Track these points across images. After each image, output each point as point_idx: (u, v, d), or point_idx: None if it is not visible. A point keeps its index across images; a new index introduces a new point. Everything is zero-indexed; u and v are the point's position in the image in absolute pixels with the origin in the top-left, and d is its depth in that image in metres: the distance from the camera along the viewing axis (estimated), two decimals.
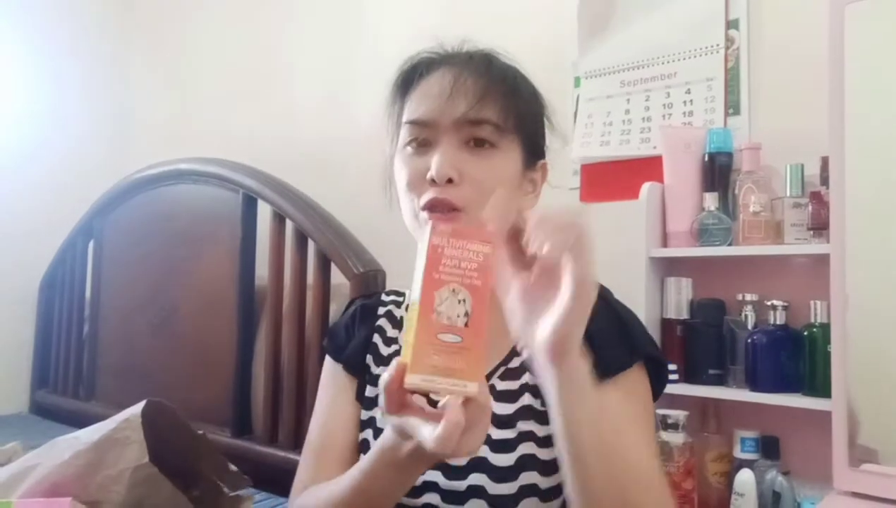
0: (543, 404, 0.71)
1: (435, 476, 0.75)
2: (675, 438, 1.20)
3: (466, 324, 0.53)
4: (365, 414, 0.83)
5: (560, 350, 0.56)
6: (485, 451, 0.73)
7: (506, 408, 0.76)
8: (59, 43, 2.47)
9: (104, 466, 0.89)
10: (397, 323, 0.86)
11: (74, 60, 2.50)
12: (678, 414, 1.21)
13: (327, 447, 0.83)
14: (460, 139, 0.74)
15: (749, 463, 1.18)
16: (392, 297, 0.90)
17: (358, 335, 0.87)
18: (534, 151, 0.81)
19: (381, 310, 0.88)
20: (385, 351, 0.85)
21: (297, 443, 1.44)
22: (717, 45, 1.36)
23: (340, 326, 0.90)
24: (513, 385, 0.77)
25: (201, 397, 1.69)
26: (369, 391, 0.83)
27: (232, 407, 1.62)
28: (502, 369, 0.78)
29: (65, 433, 0.97)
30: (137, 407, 0.91)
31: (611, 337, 0.73)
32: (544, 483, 0.73)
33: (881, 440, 1.00)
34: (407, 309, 0.84)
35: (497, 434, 0.74)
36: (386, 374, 0.54)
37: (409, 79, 0.82)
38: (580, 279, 0.54)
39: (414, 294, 0.55)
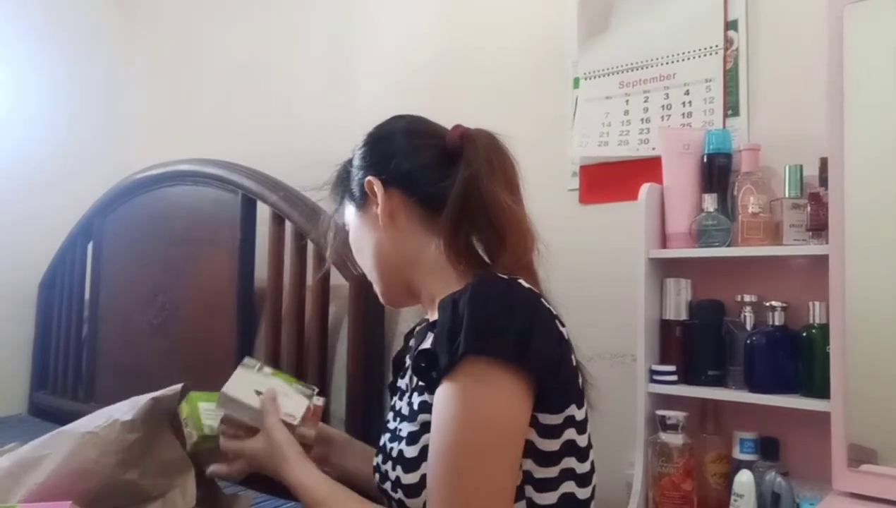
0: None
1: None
2: (675, 439, 1.21)
3: None
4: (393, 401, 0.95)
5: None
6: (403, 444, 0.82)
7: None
8: (59, 43, 2.47)
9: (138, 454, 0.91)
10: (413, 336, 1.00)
11: (74, 60, 2.51)
12: (677, 415, 1.21)
13: None
14: None
15: (748, 464, 1.18)
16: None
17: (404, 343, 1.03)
18: (355, 195, 0.94)
19: (418, 328, 1.00)
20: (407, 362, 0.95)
21: None
22: (716, 46, 1.36)
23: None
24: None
25: None
26: (400, 382, 0.95)
27: None
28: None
29: None
30: (146, 404, 0.92)
31: (441, 339, 0.74)
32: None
33: (880, 440, 1.00)
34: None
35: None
36: None
37: None
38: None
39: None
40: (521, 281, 0.78)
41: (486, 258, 0.86)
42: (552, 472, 0.76)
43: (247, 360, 1.03)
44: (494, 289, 0.75)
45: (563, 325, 0.80)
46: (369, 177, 0.89)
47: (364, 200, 0.91)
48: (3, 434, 1.77)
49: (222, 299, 1.69)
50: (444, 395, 0.72)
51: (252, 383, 0.98)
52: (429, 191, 0.87)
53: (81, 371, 2.16)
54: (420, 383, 0.82)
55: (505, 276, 0.78)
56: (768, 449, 1.18)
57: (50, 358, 2.30)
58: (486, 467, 0.70)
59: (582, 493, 0.79)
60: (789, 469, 1.18)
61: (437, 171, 0.87)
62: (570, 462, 0.77)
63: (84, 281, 2.21)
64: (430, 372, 0.76)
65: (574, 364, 0.80)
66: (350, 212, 0.96)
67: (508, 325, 0.72)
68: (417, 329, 0.99)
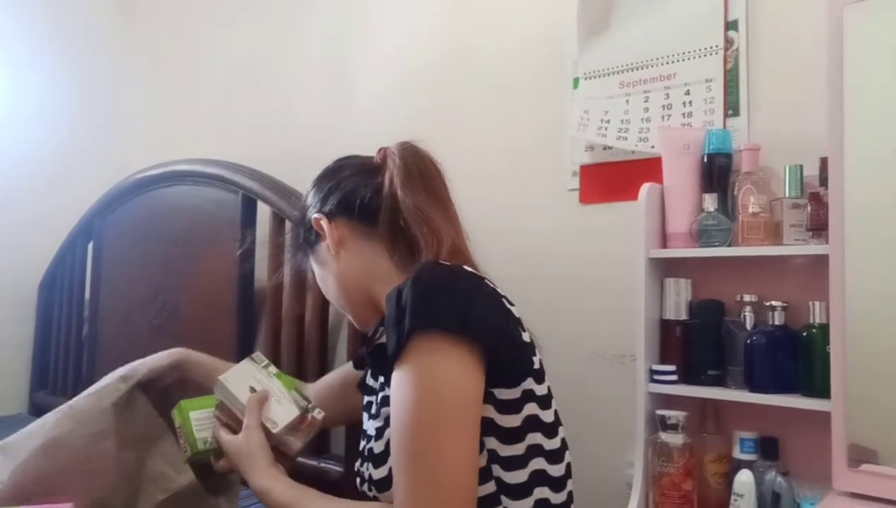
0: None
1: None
2: (675, 439, 1.21)
3: None
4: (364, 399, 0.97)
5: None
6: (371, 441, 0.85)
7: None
8: (59, 43, 2.47)
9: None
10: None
11: (74, 60, 2.51)
12: (677, 415, 1.21)
13: None
14: None
15: (748, 464, 1.18)
16: None
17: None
18: (311, 240, 1.00)
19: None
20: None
21: None
22: (716, 46, 1.36)
23: None
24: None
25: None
26: (370, 381, 0.97)
27: None
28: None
29: None
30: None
31: (389, 327, 0.76)
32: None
33: (880, 440, 1.00)
34: None
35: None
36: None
37: None
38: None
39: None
40: (464, 267, 0.80)
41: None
42: (518, 449, 0.76)
43: (255, 355, 1.04)
44: (436, 273, 0.77)
45: (513, 305, 0.82)
46: (314, 216, 0.96)
47: (318, 239, 0.97)
48: (3, 434, 1.76)
49: (222, 299, 1.70)
50: (396, 378, 0.74)
51: (251, 378, 0.99)
52: (366, 207, 0.93)
53: (81, 371, 2.17)
54: (382, 378, 0.85)
55: (447, 263, 0.81)
56: (768, 449, 1.18)
57: (50, 358, 2.30)
58: (444, 438, 0.70)
59: (554, 470, 0.78)
60: (789, 468, 1.18)
61: (369, 189, 0.94)
62: (535, 437, 0.77)
63: (84, 281, 2.21)
64: (386, 363, 0.77)
65: (529, 341, 0.81)
66: (311, 259, 1.02)
67: (450, 300, 0.73)
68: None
